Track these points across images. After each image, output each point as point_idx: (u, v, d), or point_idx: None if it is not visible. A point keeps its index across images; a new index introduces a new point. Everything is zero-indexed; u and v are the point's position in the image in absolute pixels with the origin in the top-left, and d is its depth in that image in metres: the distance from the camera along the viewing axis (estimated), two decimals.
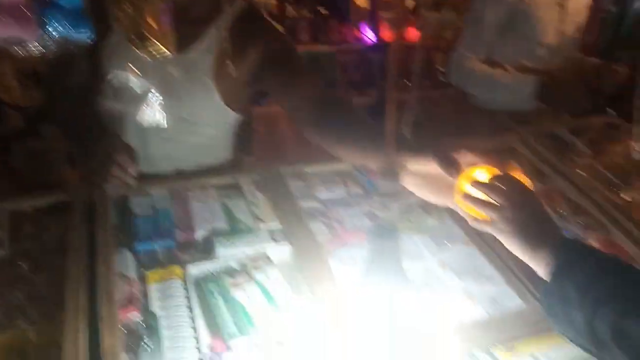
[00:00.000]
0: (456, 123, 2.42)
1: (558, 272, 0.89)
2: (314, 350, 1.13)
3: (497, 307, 1.27)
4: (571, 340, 0.90)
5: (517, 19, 2.23)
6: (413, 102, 1.43)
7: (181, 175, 1.65)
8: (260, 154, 1.85)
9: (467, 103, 2.42)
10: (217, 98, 1.56)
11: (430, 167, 1.04)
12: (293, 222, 1.49)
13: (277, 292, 1.27)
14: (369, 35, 3.73)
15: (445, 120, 2.30)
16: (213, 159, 1.73)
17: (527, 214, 0.96)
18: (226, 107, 1.59)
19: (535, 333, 1.18)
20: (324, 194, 1.66)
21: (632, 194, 1.79)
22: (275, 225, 1.49)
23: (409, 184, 1.09)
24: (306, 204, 1.59)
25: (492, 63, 2.27)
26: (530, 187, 1.03)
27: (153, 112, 1.50)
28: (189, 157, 1.68)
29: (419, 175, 1.09)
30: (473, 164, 1.05)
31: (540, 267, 0.94)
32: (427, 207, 1.63)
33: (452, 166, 1.02)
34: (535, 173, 1.83)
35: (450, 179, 1.04)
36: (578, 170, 1.85)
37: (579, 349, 0.94)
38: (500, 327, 1.19)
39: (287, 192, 1.61)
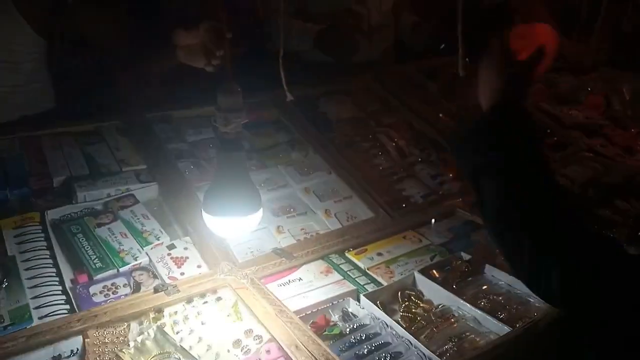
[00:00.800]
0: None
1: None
2: (182, 274, 1.18)
3: (352, 219, 1.41)
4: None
5: None
6: None
7: (32, 123, 1.56)
8: (125, 101, 1.79)
9: None
10: (27, 29, 1.49)
11: None
12: (160, 163, 1.50)
13: (144, 228, 1.29)
14: None
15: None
16: (48, 102, 1.66)
17: None
18: (40, 37, 1.52)
19: (383, 237, 1.34)
20: (191, 136, 1.68)
21: None
22: (140, 166, 1.49)
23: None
24: (173, 146, 1.60)
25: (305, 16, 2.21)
26: None
27: None
28: (25, 102, 1.59)
29: None
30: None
31: None
32: (292, 144, 1.73)
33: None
34: (391, 109, 2.00)
35: None
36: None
37: (412, 244, 1.21)
38: (353, 234, 1.33)
39: (153, 136, 1.60)
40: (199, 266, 1.21)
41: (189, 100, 1.79)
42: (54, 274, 1.14)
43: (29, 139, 1.49)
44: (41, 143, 1.49)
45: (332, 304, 1.09)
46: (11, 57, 1.50)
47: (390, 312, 1.08)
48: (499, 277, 1.18)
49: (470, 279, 1.17)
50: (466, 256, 1.24)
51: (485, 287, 1.15)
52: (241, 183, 1.01)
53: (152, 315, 1.03)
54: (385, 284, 1.16)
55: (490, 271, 1.20)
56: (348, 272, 1.20)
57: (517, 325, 1.03)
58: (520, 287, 1.16)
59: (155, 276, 1.17)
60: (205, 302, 1.08)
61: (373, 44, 2.32)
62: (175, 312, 1.05)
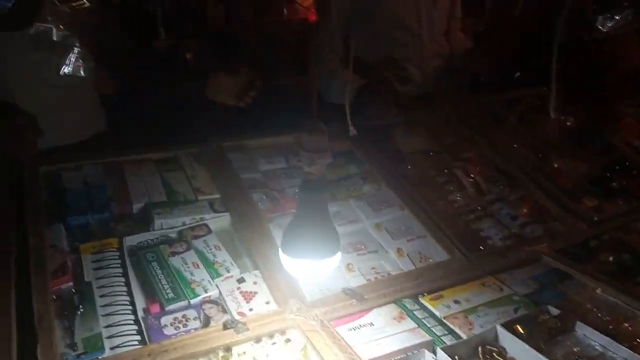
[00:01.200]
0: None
1: None
2: (251, 310, 1.16)
3: (426, 260, 1.34)
4: None
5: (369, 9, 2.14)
6: None
7: (115, 149, 1.63)
8: (200, 129, 1.84)
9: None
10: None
11: None
12: (233, 193, 1.51)
13: (216, 259, 1.29)
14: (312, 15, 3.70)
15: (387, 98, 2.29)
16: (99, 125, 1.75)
17: None
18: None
19: (460, 282, 1.26)
20: (264, 165, 1.68)
21: (560, 162, 1.90)
22: (214, 196, 1.51)
23: None
24: (247, 175, 1.61)
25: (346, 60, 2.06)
26: None
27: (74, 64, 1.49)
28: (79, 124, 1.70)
29: None
30: None
31: None
32: (364, 176, 1.69)
33: None
34: (467, 142, 1.92)
35: None
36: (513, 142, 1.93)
37: (492, 293, 1.07)
38: (427, 277, 1.26)
39: (227, 165, 1.62)
40: (267, 302, 1.19)
41: (262, 128, 1.83)
42: (127, 303, 1.15)
43: (112, 164, 1.55)
44: (124, 168, 1.54)
45: (407, 355, 1.02)
46: (61, 81, 1.58)
47: None
48: (592, 337, 1.07)
49: (559, 337, 1.07)
50: (554, 310, 1.13)
51: (577, 348, 1.04)
52: (322, 225, 0.98)
53: (221, 353, 1.01)
54: (464, 336, 1.08)
55: (582, 329, 1.09)
56: (423, 320, 1.13)
57: None
58: (615, 349, 1.05)
59: (224, 310, 1.16)
60: (274, 344, 1.05)
61: (425, 73, 2.27)
62: (244, 352, 1.02)
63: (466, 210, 1.60)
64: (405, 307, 1.18)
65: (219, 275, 1.25)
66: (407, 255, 1.37)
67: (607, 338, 1.06)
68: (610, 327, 1.11)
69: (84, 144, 1.73)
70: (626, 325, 1.11)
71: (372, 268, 1.33)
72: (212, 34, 1.80)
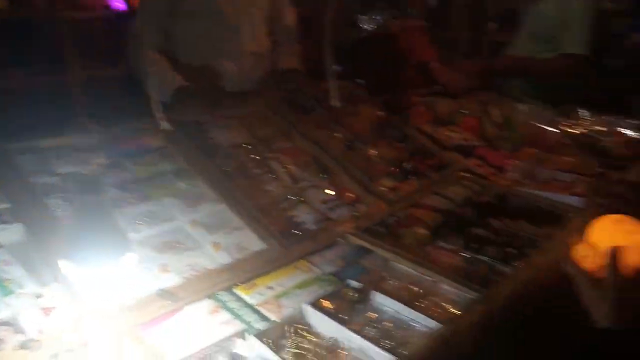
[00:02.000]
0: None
1: None
2: (51, 326, 1.06)
3: (242, 252, 1.37)
4: None
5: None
6: None
7: None
8: None
9: None
10: None
11: None
12: (25, 200, 1.35)
13: (5, 276, 1.15)
14: (117, 3, 3.46)
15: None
16: None
17: None
18: None
19: (274, 269, 1.31)
20: (61, 167, 1.53)
21: (367, 150, 2.08)
22: (3, 205, 1.33)
23: None
24: (41, 180, 1.45)
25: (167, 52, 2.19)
26: None
27: None
28: None
29: None
30: None
31: None
32: (178, 172, 1.65)
33: None
34: (282, 134, 1.99)
35: None
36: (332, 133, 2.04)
37: (303, 274, 1.13)
38: (243, 268, 1.29)
39: (16, 169, 1.45)
40: (69, 315, 1.10)
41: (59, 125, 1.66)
42: None
43: None
44: None
45: (220, 347, 1.03)
46: None
47: (281, 349, 1.05)
48: (387, 304, 1.20)
49: (359, 307, 1.18)
50: (355, 284, 1.25)
51: (374, 315, 1.16)
52: (100, 226, 0.91)
53: None
54: (275, 319, 1.12)
55: (378, 298, 1.22)
56: (236, 310, 1.16)
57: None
58: (406, 312, 1.18)
59: (19, 331, 1.04)
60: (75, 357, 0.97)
61: (242, 70, 2.33)
62: None
63: (282, 199, 1.67)
64: (220, 299, 1.19)
65: (10, 292, 1.11)
66: (224, 248, 1.38)
67: (399, 303, 1.19)
68: (403, 293, 1.26)
69: None
70: (416, 289, 1.27)
71: (188, 265, 1.31)
72: None
